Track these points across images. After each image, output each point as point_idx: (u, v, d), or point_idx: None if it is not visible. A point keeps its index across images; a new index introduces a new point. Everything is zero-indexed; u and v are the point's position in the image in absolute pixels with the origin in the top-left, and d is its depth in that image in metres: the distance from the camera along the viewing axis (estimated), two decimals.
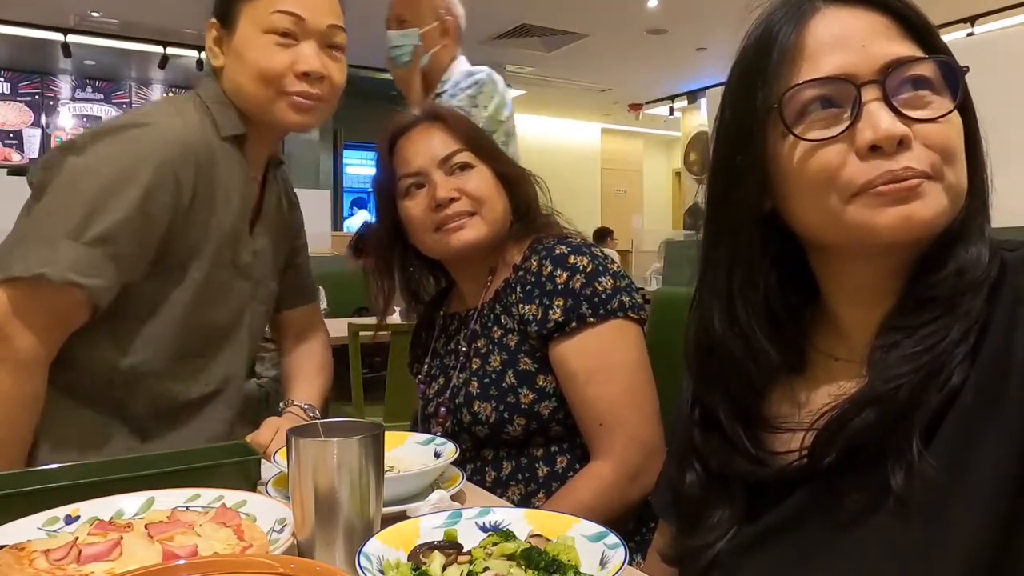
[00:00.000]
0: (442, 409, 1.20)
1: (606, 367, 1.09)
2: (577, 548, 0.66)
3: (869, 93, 0.60)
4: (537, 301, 1.12)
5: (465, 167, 1.19)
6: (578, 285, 1.10)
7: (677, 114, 9.48)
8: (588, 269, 1.12)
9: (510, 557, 0.64)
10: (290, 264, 1.38)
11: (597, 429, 1.09)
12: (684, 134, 9.12)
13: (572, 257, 1.13)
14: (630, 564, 0.68)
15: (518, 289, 1.16)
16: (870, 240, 0.61)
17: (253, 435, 1.15)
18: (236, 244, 1.18)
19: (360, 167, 9.96)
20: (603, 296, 1.10)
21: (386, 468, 0.75)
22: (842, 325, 0.69)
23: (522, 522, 0.73)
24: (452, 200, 1.16)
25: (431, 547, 0.67)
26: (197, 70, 7.50)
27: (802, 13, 0.64)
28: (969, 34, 5.83)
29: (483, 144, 1.23)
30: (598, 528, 0.69)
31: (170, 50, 7.28)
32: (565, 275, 1.11)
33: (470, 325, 1.23)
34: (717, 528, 0.69)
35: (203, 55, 6.88)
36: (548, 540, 0.68)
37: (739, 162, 0.66)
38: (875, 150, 0.59)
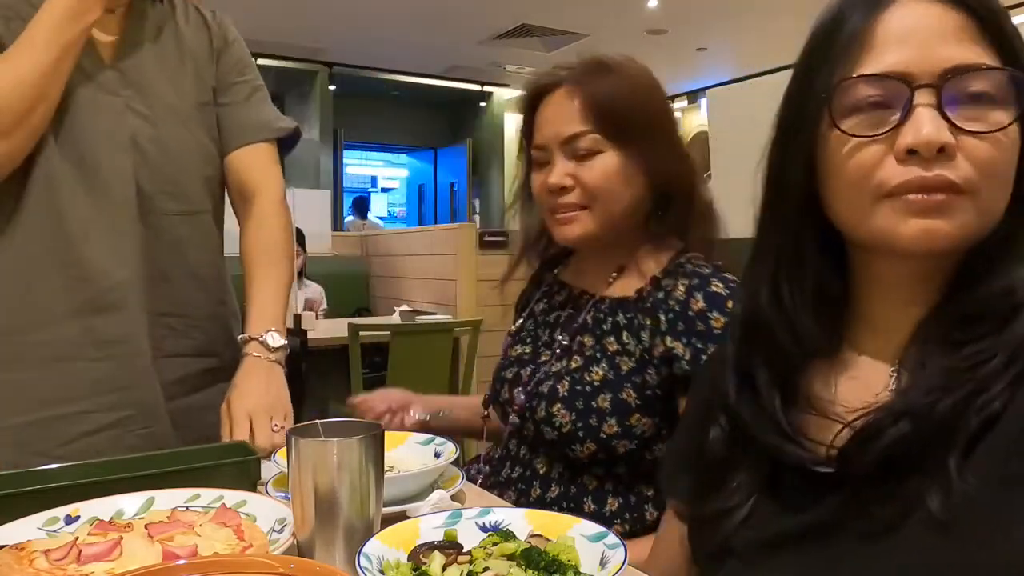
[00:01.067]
0: (519, 394, 1.11)
1: None
2: (577, 548, 0.66)
3: (922, 97, 0.58)
4: (685, 339, 1.00)
5: (589, 154, 1.05)
6: (695, 315, 1.00)
7: (677, 114, 9.48)
8: (712, 310, 1.00)
9: (510, 557, 0.64)
10: (228, 102, 1.24)
11: None
12: (684, 134, 9.08)
13: (731, 303, 1.00)
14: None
15: (662, 318, 1.02)
16: (890, 247, 0.61)
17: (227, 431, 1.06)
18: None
19: (360, 167, 9.97)
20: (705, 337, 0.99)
21: (386, 468, 0.75)
22: (874, 322, 0.68)
23: (522, 522, 0.73)
24: (563, 189, 1.06)
25: (431, 547, 0.67)
26: None
27: (880, 1, 0.62)
28: None
29: (629, 125, 1.06)
30: (598, 528, 0.69)
31: None
32: (723, 320, 0.99)
33: (581, 313, 1.12)
34: (737, 493, 0.68)
35: None
36: (548, 540, 0.68)
37: (792, 144, 0.66)
38: (913, 154, 0.58)
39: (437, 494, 0.81)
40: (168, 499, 0.77)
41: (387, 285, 4.75)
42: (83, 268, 1.06)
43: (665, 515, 0.86)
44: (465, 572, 0.63)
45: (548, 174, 1.07)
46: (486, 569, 0.62)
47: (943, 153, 0.57)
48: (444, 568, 0.63)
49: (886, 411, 0.59)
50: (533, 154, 1.11)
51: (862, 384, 0.65)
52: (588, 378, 1.05)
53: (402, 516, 0.78)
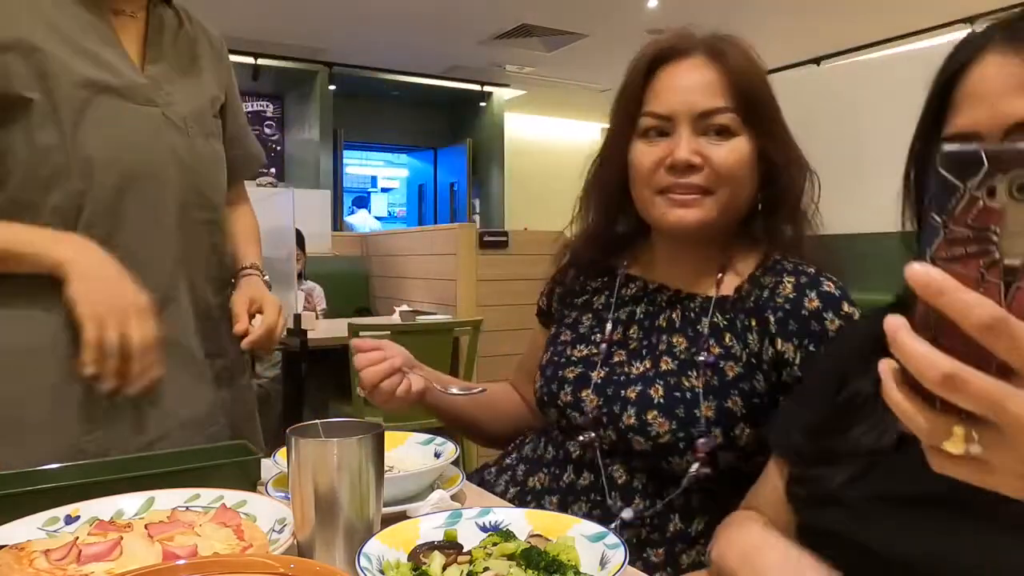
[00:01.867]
0: (591, 395, 1.00)
1: None
2: (577, 548, 0.66)
3: None
4: (797, 341, 0.92)
5: (723, 132, 0.95)
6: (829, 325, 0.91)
7: None
8: (841, 308, 0.92)
9: (510, 557, 0.64)
10: (231, 124, 1.27)
11: None
12: None
13: (846, 305, 0.92)
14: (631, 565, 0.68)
15: (771, 318, 0.94)
16: None
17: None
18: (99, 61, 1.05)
19: (360, 167, 9.96)
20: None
21: (386, 468, 0.75)
22: None
23: (522, 522, 0.73)
24: (691, 167, 0.94)
25: (431, 547, 0.67)
26: None
27: (973, 50, 0.65)
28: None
29: (762, 109, 0.97)
30: (598, 528, 0.69)
31: None
32: (838, 323, 0.91)
33: (665, 311, 1.02)
34: (863, 439, 0.69)
35: None
36: (548, 540, 0.68)
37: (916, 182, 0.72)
38: None
39: (437, 494, 0.81)
40: (168, 499, 0.77)
41: (387, 285, 4.74)
42: (139, 279, 1.04)
43: (767, 467, 0.85)
44: (465, 572, 0.63)
45: (672, 147, 0.95)
46: (486, 569, 0.62)
47: None
48: (444, 568, 0.63)
49: None
50: (645, 122, 0.98)
51: None
52: (688, 383, 0.95)
53: (402, 516, 0.78)
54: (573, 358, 1.07)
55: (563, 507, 0.99)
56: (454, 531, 0.71)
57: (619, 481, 0.97)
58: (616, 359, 1.03)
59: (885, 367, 0.43)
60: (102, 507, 0.75)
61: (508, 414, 1.25)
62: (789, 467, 0.80)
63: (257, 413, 1.31)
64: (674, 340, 0.99)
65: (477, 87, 8.89)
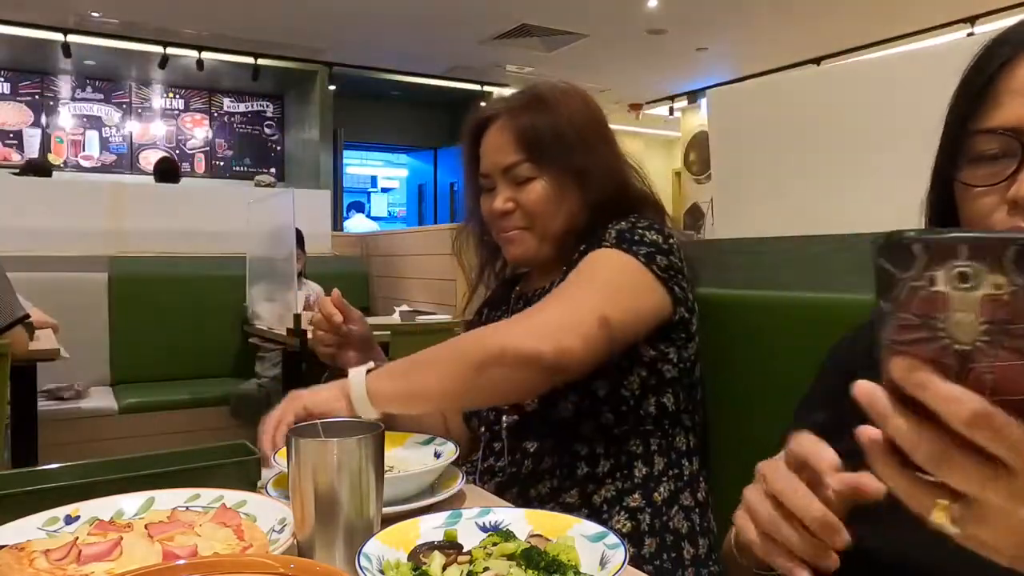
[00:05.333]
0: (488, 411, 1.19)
1: (577, 280, 1.04)
2: (577, 548, 0.66)
3: None
4: (579, 255, 1.09)
5: (526, 180, 1.15)
6: (619, 227, 1.08)
7: (677, 114, 9.47)
8: (640, 224, 1.09)
9: (510, 557, 0.64)
10: None
11: (520, 315, 1.04)
12: (684, 134, 9.10)
13: (632, 219, 1.10)
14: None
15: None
16: None
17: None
18: None
19: (360, 167, 9.96)
20: (635, 237, 1.07)
21: (386, 468, 0.75)
22: None
23: (522, 522, 0.73)
24: (505, 213, 1.16)
25: (431, 547, 0.67)
26: (197, 70, 7.51)
27: (1015, 46, 0.64)
28: (969, 34, 5.82)
29: (552, 149, 1.14)
30: (598, 528, 0.69)
31: (170, 50, 7.28)
32: (617, 225, 1.09)
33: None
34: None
35: (203, 55, 6.88)
36: (548, 540, 0.68)
37: (936, 182, 0.70)
38: (1018, 206, 0.61)
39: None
40: (168, 499, 0.77)
41: (387, 285, 4.74)
42: None
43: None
44: (465, 572, 0.63)
45: (493, 199, 1.17)
46: (486, 569, 0.62)
47: None
48: (444, 568, 0.63)
49: None
50: (481, 181, 1.20)
51: None
52: None
53: (402, 516, 0.78)
54: None
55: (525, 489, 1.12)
56: (454, 531, 0.71)
57: (531, 450, 1.13)
58: None
59: (866, 438, 0.43)
60: (102, 507, 0.75)
61: (421, 423, 1.28)
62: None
63: None
64: None
65: (477, 87, 8.89)
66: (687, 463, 1.13)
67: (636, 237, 1.07)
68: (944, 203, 0.70)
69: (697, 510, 1.11)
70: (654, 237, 1.08)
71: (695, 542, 1.09)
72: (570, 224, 1.17)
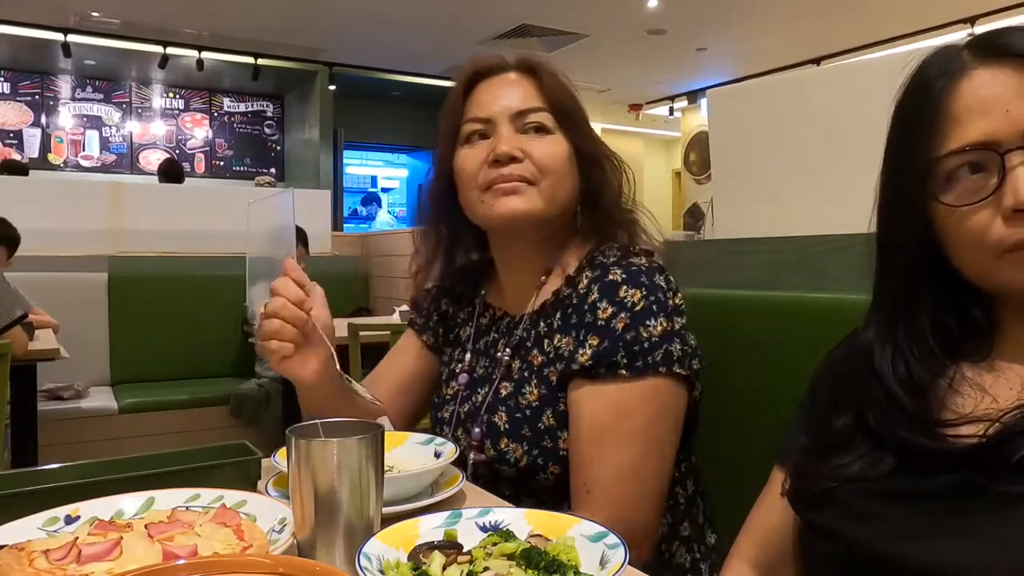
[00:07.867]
0: (460, 432, 1.06)
1: (618, 431, 0.91)
2: (577, 548, 0.66)
3: (1014, 159, 0.62)
4: (573, 333, 0.96)
5: (540, 130, 1.01)
6: (621, 326, 0.92)
7: (677, 114, 9.47)
8: (638, 307, 0.93)
9: (510, 557, 0.64)
10: None
11: (584, 494, 0.92)
12: (684, 134, 9.11)
13: (624, 289, 0.94)
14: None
15: (558, 314, 1.00)
16: (1021, 295, 0.65)
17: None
18: None
19: (360, 167, 9.96)
20: (646, 345, 0.92)
21: (386, 468, 0.75)
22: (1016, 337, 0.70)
23: (522, 522, 0.72)
24: (512, 159, 0.98)
25: (431, 547, 0.67)
26: (197, 70, 7.51)
27: (952, 74, 0.66)
28: (970, 34, 5.83)
29: (571, 114, 1.03)
30: (598, 528, 0.69)
31: (170, 50, 7.28)
32: (610, 311, 0.93)
33: (515, 333, 1.06)
34: (856, 452, 0.70)
35: (203, 55, 6.88)
36: (548, 540, 0.68)
37: (898, 212, 0.71)
38: (1020, 212, 0.62)
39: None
40: (168, 499, 0.77)
41: (387, 285, 4.74)
42: None
43: (770, 479, 0.85)
44: (465, 572, 0.63)
45: (494, 144, 1.00)
46: (486, 569, 0.62)
47: None
48: (444, 568, 0.63)
49: None
50: (468, 128, 1.03)
51: (1008, 386, 0.68)
52: (524, 402, 0.99)
53: (402, 516, 0.78)
54: (446, 396, 1.12)
55: None
56: (454, 531, 0.71)
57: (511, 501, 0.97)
58: (479, 399, 1.06)
59: None
60: (102, 507, 0.75)
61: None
62: (792, 465, 0.79)
63: None
64: (514, 363, 1.04)
65: None
66: (681, 489, 1.05)
67: (643, 337, 0.92)
68: (897, 228, 0.71)
69: (696, 541, 1.06)
70: (658, 326, 0.93)
71: (697, 570, 1.04)
72: (569, 204, 1.04)
